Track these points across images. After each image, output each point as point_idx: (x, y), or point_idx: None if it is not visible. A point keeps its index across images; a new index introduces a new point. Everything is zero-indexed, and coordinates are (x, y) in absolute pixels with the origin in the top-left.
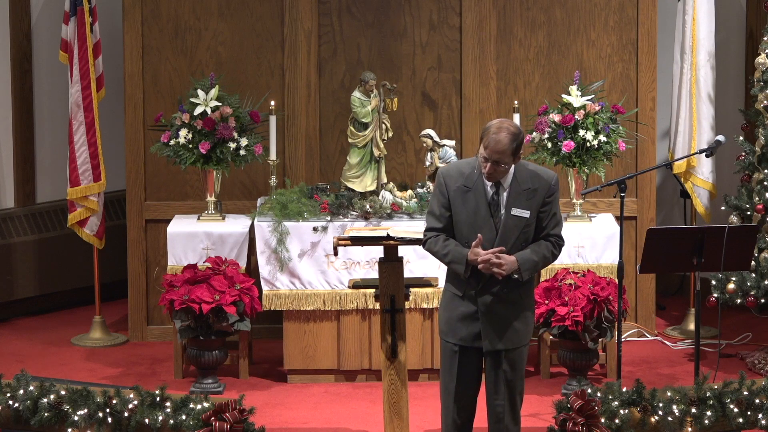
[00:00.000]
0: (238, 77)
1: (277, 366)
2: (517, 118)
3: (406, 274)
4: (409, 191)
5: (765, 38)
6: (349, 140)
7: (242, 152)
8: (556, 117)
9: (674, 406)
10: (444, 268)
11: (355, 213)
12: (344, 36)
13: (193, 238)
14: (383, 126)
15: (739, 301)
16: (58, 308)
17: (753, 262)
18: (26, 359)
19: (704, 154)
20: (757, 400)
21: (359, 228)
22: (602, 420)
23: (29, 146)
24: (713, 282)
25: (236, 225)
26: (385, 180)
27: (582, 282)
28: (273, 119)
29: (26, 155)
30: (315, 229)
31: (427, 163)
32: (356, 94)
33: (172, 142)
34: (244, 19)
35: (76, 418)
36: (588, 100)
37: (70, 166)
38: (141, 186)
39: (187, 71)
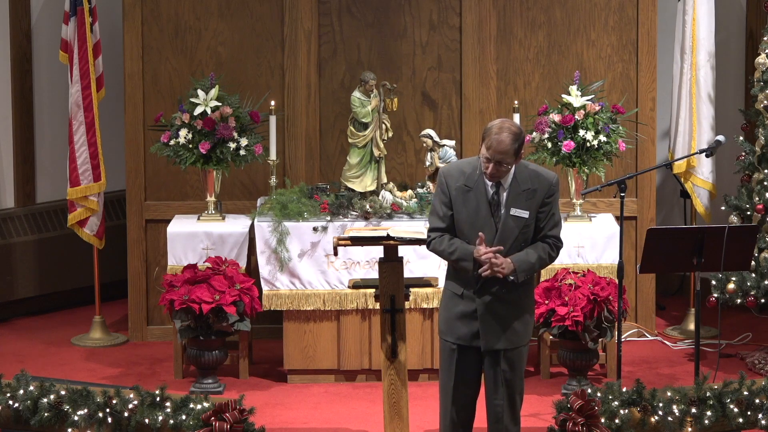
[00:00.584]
0: (238, 77)
1: (277, 366)
2: (517, 118)
3: (406, 274)
4: (409, 191)
5: (765, 38)
6: (349, 140)
7: (242, 152)
8: (556, 117)
9: (674, 406)
10: (444, 268)
11: (355, 213)
12: (344, 36)
13: (193, 238)
14: (383, 126)
15: (739, 301)
16: (58, 308)
17: (753, 262)
18: (26, 359)
19: (704, 154)
20: (757, 400)
21: (359, 228)
22: (602, 420)
23: (29, 146)
24: (713, 282)
25: (236, 225)
26: (385, 180)
27: (582, 282)
28: (273, 119)
29: (26, 155)
30: (315, 229)
31: (427, 163)
32: (356, 94)
33: (172, 142)
34: (244, 19)
35: (76, 418)
36: (588, 100)
37: (70, 166)
38: (141, 186)
39: (187, 71)
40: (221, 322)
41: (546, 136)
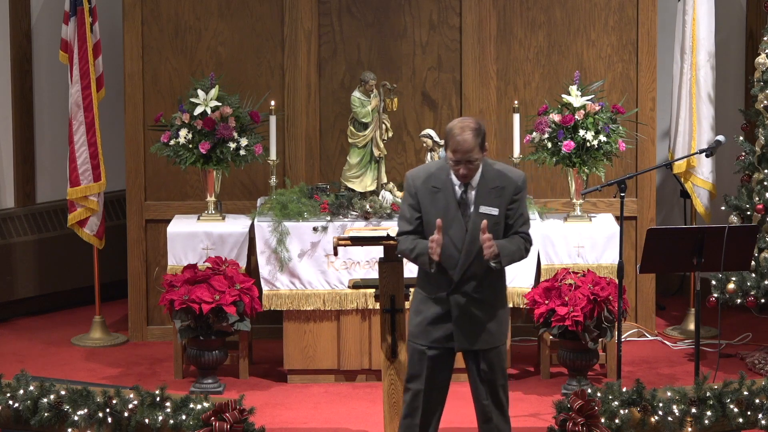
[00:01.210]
0: (238, 77)
1: (277, 366)
2: (517, 118)
3: (406, 274)
4: None
5: (765, 38)
6: (349, 140)
7: (242, 152)
8: (556, 117)
9: (674, 406)
10: None
11: (355, 213)
12: (344, 36)
13: (193, 238)
14: (383, 126)
15: (739, 301)
16: (58, 308)
17: (753, 262)
18: (26, 359)
19: (704, 154)
20: (757, 400)
21: (359, 228)
22: (602, 420)
23: (29, 146)
24: (713, 282)
25: (236, 225)
26: (385, 180)
27: (582, 282)
28: (273, 119)
29: (26, 155)
30: (315, 229)
31: None
32: (356, 94)
33: (172, 142)
34: (244, 19)
35: (76, 418)
36: (588, 100)
37: (70, 166)
38: (141, 186)
39: (187, 71)
40: (221, 322)
41: (546, 136)
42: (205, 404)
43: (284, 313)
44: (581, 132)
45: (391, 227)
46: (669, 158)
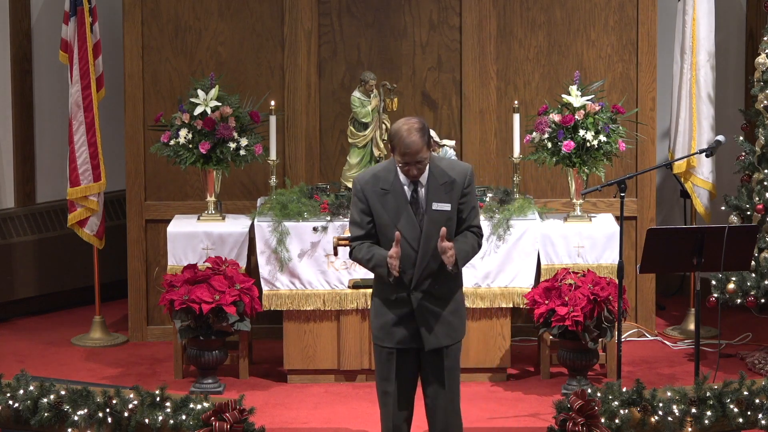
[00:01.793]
0: (238, 77)
1: (277, 366)
2: (517, 118)
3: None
4: None
5: (765, 38)
6: (349, 140)
7: (242, 152)
8: (556, 117)
9: (674, 406)
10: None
11: None
12: (344, 36)
13: (193, 238)
14: (383, 126)
15: (739, 301)
16: (58, 308)
17: (753, 262)
18: (26, 359)
19: (704, 154)
20: (757, 400)
21: None
22: (602, 420)
23: (29, 146)
24: (713, 282)
25: (236, 225)
26: None
27: (582, 282)
28: (273, 119)
29: (26, 155)
30: (315, 229)
31: None
32: (356, 94)
33: (172, 142)
34: (244, 19)
35: (76, 418)
36: (588, 100)
37: (70, 166)
38: (141, 186)
39: (187, 71)
40: (221, 322)
41: (546, 136)
42: (205, 404)
43: (284, 313)
44: (581, 132)
45: None
46: (669, 158)
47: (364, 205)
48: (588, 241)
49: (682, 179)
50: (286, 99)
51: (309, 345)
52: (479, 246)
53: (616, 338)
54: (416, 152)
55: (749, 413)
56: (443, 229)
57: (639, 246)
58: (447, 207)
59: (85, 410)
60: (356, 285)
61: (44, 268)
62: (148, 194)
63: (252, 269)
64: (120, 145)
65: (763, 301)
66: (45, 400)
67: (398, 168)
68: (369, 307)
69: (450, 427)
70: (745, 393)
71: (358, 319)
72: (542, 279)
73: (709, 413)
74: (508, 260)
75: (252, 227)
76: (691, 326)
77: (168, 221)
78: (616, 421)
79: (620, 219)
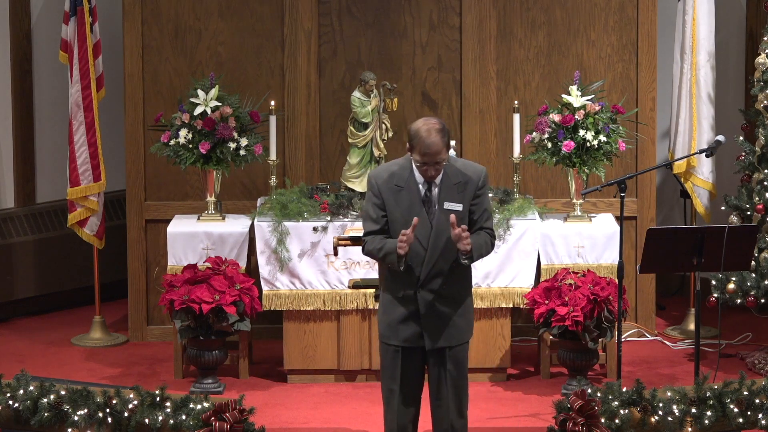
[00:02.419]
0: (238, 77)
1: (277, 366)
2: (517, 118)
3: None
4: None
5: (765, 38)
6: (349, 140)
7: (242, 152)
8: (556, 117)
9: (674, 406)
10: None
11: (355, 213)
12: (344, 36)
13: (193, 238)
14: (383, 126)
15: (739, 301)
16: (58, 308)
17: (753, 262)
18: (26, 359)
19: (704, 154)
20: (757, 400)
21: (359, 228)
22: (602, 420)
23: (29, 146)
24: (713, 282)
25: (236, 225)
26: None
27: (582, 282)
28: (273, 119)
29: (26, 155)
30: (315, 229)
31: None
32: (356, 94)
33: (172, 142)
34: (244, 19)
35: (76, 418)
36: (588, 100)
37: (70, 166)
38: (141, 186)
39: (187, 71)
40: (221, 322)
41: (546, 136)
42: (205, 404)
43: (284, 313)
44: (581, 132)
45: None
46: (669, 158)
47: (379, 201)
48: (588, 241)
49: (682, 179)
50: (286, 99)
51: (309, 345)
52: (492, 246)
53: (616, 338)
54: (436, 153)
55: (749, 413)
56: (452, 216)
57: (639, 246)
58: (458, 207)
59: (85, 410)
60: (356, 285)
61: (44, 268)
62: (148, 194)
63: (252, 269)
64: (120, 145)
65: (763, 301)
66: (45, 400)
67: (415, 167)
68: (369, 307)
69: (454, 429)
70: (745, 393)
71: (358, 319)
72: (542, 279)
73: (709, 413)
74: (508, 260)
75: (252, 227)
76: (691, 326)
77: (168, 221)
78: (616, 421)
79: (620, 219)
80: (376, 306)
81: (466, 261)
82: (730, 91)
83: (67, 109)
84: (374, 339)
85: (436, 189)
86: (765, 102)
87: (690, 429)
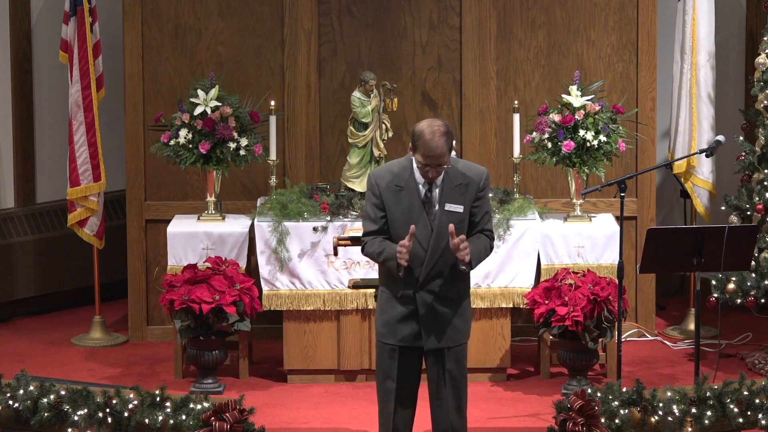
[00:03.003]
0: (238, 77)
1: (277, 366)
2: (517, 118)
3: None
4: None
5: (765, 38)
6: (349, 140)
7: (242, 152)
8: (556, 117)
9: (674, 406)
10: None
11: (355, 213)
12: (344, 36)
13: (193, 238)
14: (383, 126)
15: (739, 301)
16: (58, 308)
17: (753, 262)
18: (26, 359)
19: (704, 154)
20: (757, 400)
21: (359, 228)
22: (602, 420)
23: (29, 146)
24: (713, 282)
25: (236, 225)
26: None
27: (582, 282)
28: (273, 119)
29: (26, 155)
30: (315, 229)
31: None
32: (356, 94)
33: (172, 142)
34: (244, 19)
35: (76, 418)
36: (588, 100)
37: (70, 166)
38: (141, 186)
39: (187, 71)
40: (221, 322)
41: (546, 136)
42: (205, 404)
43: (284, 313)
44: (581, 132)
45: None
46: (669, 158)
47: (378, 200)
48: (588, 241)
49: (682, 179)
50: (286, 99)
51: (309, 345)
52: (491, 249)
53: (616, 338)
54: (439, 156)
55: (749, 413)
56: (451, 226)
57: (639, 246)
58: (459, 209)
59: (85, 410)
60: (356, 285)
61: (44, 268)
62: (148, 194)
63: (252, 269)
64: (120, 145)
65: (763, 301)
66: (45, 400)
67: (415, 167)
68: (369, 307)
69: (454, 429)
70: (745, 393)
71: (358, 319)
72: (542, 279)
73: (709, 413)
74: (508, 260)
75: (252, 227)
76: (691, 326)
77: (168, 221)
78: (616, 421)
79: (620, 219)
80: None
81: (464, 268)
82: (730, 91)
83: (67, 109)
84: (374, 339)
85: (437, 190)
86: (765, 102)
87: (690, 429)
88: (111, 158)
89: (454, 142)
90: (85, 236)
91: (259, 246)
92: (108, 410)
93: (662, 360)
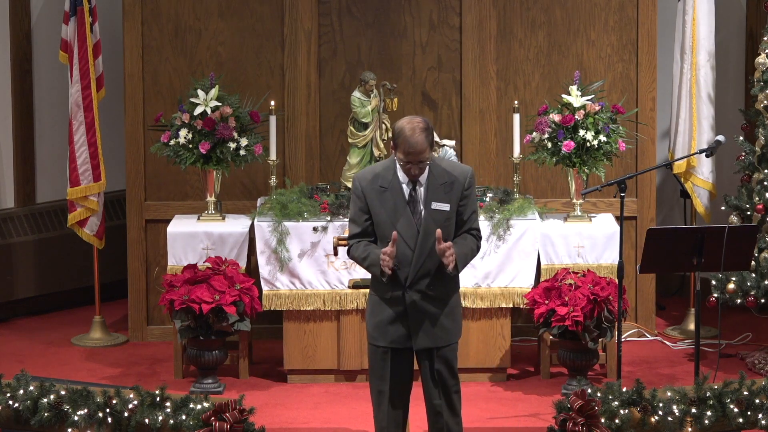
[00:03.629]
0: (238, 77)
1: (277, 366)
2: (517, 118)
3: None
4: None
5: (765, 38)
6: (349, 140)
7: (242, 152)
8: (556, 117)
9: (674, 406)
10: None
11: None
12: (344, 36)
13: (193, 238)
14: (383, 126)
15: (739, 301)
16: (58, 308)
17: (753, 262)
18: (26, 359)
19: (704, 154)
20: (757, 400)
21: None
22: (602, 420)
23: (29, 146)
24: (713, 282)
25: (236, 225)
26: None
27: (582, 282)
28: (273, 119)
29: (26, 155)
30: (315, 229)
31: None
32: (356, 94)
33: (172, 142)
34: (244, 19)
35: (76, 418)
36: (588, 100)
37: (70, 166)
38: (141, 186)
39: (187, 71)
40: (221, 322)
41: (546, 136)
42: (205, 404)
43: (284, 313)
44: (581, 132)
45: None
46: (669, 158)
47: (362, 203)
48: (588, 241)
49: (682, 179)
50: (286, 99)
51: (309, 345)
52: (478, 249)
53: (616, 338)
54: (420, 152)
55: (749, 413)
56: (438, 231)
57: (639, 246)
58: (446, 207)
59: (85, 410)
60: (356, 285)
61: (44, 268)
62: (148, 194)
63: (252, 269)
64: (120, 145)
65: (763, 301)
66: (45, 400)
67: (398, 166)
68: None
69: (449, 428)
70: (745, 393)
71: (358, 319)
72: (542, 279)
73: (709, 413)
74: (508, 260)
75: (252, 227)
76: (691, 326)
77: (168, 221)
78: (616, 421)
79: (620, 219)
80: None
81: (452, 272)
82: (730, 91)
83: (67, 109)
84: None
85: (422, 189)
86: (765, 102)
87: (690, 429)
88: (111, 158)
89: (452, 141)
90: (85, 236)
91: (259, 246)
92: (108, 410)
93: (662, 360)
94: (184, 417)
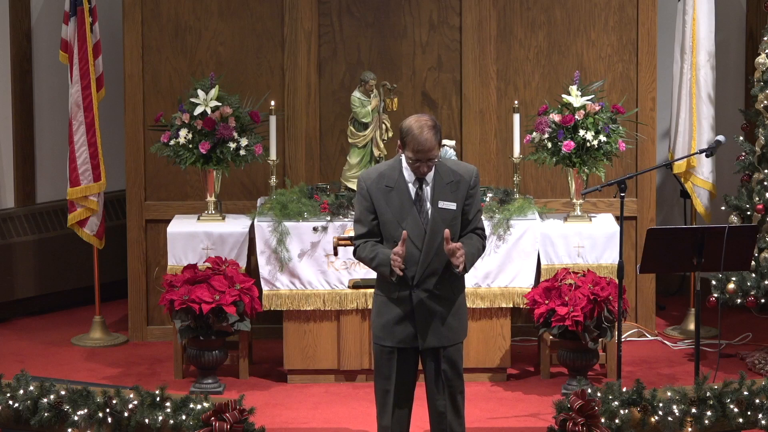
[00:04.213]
0: (238, 77)
1: (277, 366)
2: (517, 118)
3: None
4: None
5: (765, 38)
6: (349, 140)
7: (242, 152)
8: (556, 117)
9: (674, 406)
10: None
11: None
12: (344, 36)
13: (193, 238)
14: (383, 126)
15: (739, 301)
16: (58, 308)
17: (753, 262)
18: (26, 359)
19: (704, 154)
20: (757, 400)
21: None
22: (602, 420)
23: (29, 146)
24: (713, 282)
25: (236, 225)
26: None
27: (582, 282)
28: (273, 119)
29: (26, 155)
30: (315, 229)
31: None
32: (356, 94)
33: (172, 142)
34: (244, 19)
35: (76, 418)
36: (588, 100)
37: (70, 166)
38: (141, 186)
39: (187, 71)
40: (221, 322)
41: (546, 136)
42: (205, 404)
43: (284, 313)
44: (581, 132)
45: None
46: (669, 158)
47: (368, 203)
48: (588, 241)
49: (682, 179)
50: (286, 99)
51: (309, 345)
52: (484, 248)
53: (616, 338)
54: (429, 150)
55: (749, 413)
56: (447, 231)
57: (639, 246)
58: (452, 206)
59: (85, 410)
60: (356, 285)
61: (44, 268)
62: (148, 194)
63: (252, 269)
64: (120, 145)
65: (763, 301)
66: (45, 400)
67: (405, 165)
68: (369, 307)
69: (452, 429)
70: (745, 393)
71: (358, 319)
72: (542, 279)
73: (709, 413)
74: (508, 260)
75: (252, 227)
76: (691, 326)
77: (168, 221)
78: (616, 421)
79: (620, 219)
80: None
81: (461, 272)
82: (730, 91)
83: (67, 109)
84: None
85: (428, 188)
86: (765, 102)
87: (690, 429)
88: (111, 158)
89: (453, 141)
90: (85, 236)
91: (259, 246)
92: (108, 410)
93: (662, 360)
94: (184, 417)
